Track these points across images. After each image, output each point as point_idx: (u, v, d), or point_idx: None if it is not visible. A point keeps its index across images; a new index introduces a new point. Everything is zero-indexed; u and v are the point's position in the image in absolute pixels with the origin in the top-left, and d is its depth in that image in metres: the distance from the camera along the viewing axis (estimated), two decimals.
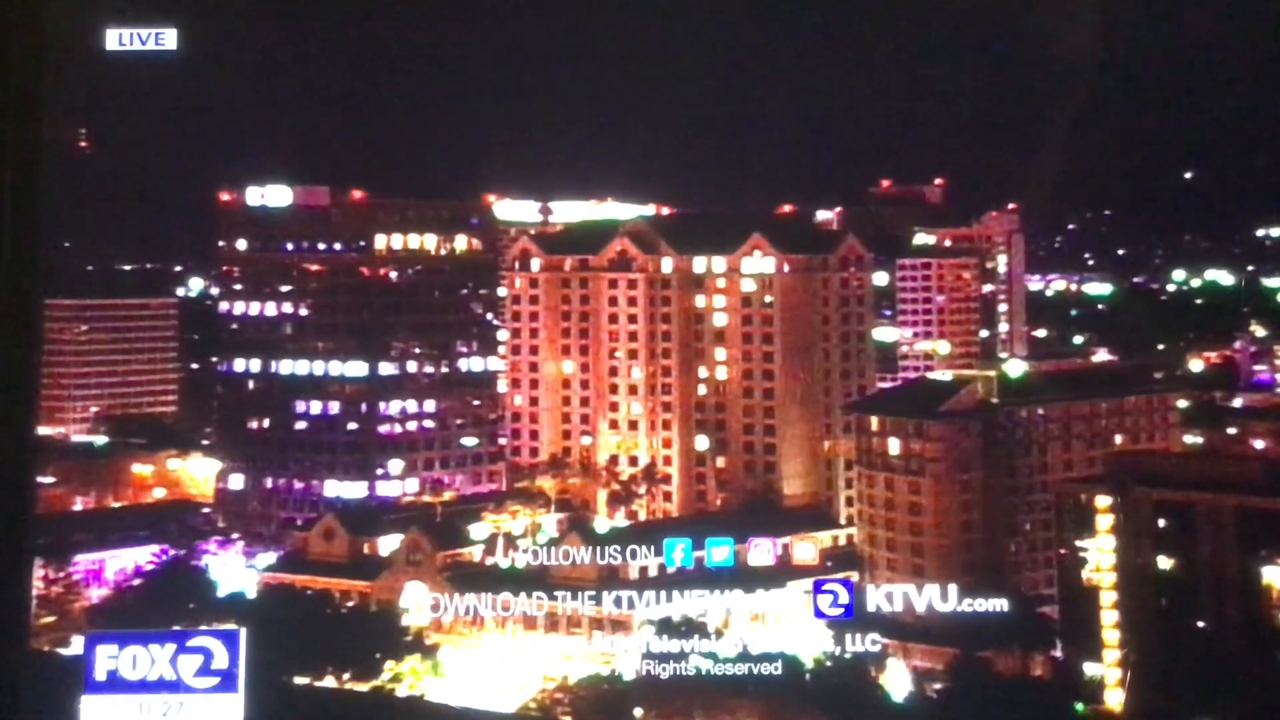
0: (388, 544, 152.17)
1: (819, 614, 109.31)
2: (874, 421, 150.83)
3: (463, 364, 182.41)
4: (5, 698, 38.55)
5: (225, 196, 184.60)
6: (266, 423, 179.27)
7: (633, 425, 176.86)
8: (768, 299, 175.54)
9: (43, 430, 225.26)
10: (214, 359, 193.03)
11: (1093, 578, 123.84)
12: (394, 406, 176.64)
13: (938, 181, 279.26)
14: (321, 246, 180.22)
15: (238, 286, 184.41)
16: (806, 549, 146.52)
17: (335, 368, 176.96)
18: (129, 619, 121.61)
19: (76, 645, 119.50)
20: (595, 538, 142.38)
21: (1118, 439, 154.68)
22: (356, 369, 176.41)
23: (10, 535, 38.51)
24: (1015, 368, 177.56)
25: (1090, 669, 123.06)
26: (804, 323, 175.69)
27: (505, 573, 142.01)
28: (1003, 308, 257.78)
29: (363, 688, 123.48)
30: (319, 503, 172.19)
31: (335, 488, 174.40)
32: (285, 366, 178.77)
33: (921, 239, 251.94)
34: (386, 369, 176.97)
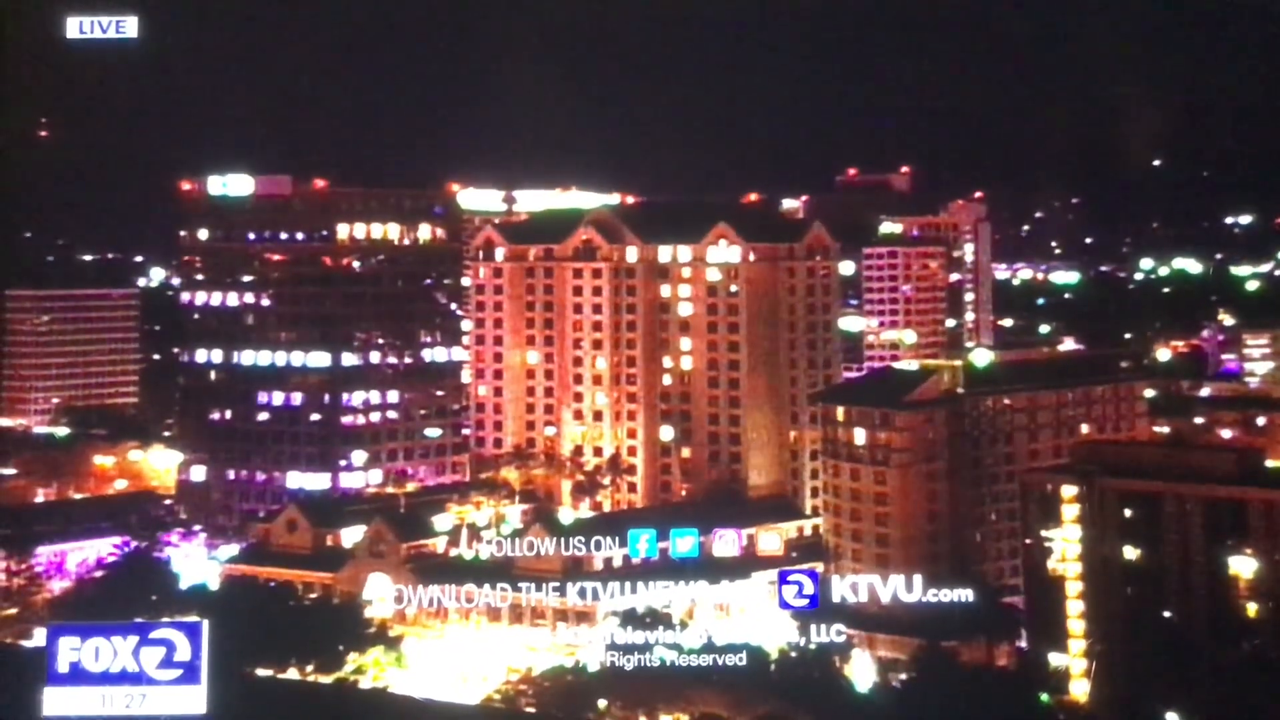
0: (351, 535, 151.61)
1: (784, 605, 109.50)
2: (840, 411, 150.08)
3: (426, 354, 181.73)
4: None
5: (186, 186, 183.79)
6: (228, 414, 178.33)
7: (597, 416, 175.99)
8: (733, 288, 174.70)
9: (4, 422, 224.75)
10: (175, 349, 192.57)
11: (1058, 568, 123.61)
12: (357, 397, 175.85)
13: (904, 169, 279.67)
14: (283, 236, 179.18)
15: (199, 276, 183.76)
16: (771, 540, 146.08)
17: (298, 358, 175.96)
18: (91, 611, 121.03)
19: (39, 637, 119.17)
20: (560, 529, 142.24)
21: (1084, 429, 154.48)
22: (319, 359, 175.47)
23: None
24: (981, 357, 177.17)
25: (1056, 659, 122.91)
26: (770, 312, 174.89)
27: (469, 564, 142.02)
28: (969, 297, 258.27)
29: (326, 679, 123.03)
30: (281, 494, 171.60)
31: (298, 479, 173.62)
32: (247, 357, 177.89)
33: (888, 227, 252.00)
34: (349, 359, 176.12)
